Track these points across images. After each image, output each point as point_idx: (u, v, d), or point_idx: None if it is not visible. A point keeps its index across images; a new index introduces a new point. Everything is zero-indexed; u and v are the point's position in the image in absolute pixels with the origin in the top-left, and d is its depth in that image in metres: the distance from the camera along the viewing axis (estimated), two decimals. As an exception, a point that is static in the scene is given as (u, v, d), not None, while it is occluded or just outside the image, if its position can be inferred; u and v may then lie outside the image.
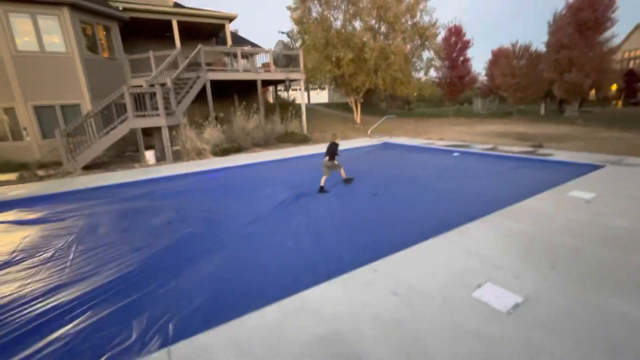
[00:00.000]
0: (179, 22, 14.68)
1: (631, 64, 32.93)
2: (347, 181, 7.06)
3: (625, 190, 5.23)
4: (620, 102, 29.86)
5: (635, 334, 2.20)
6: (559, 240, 3.60)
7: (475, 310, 2.52)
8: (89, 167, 9.81)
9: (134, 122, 10.20)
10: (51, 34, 11.03)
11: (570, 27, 19.74)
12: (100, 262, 3.94)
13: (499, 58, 26.82)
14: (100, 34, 12.62)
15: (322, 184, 6.66)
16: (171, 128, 11.10)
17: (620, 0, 18.86)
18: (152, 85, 10.84)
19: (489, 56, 31.41)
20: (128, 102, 10.01)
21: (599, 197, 4.94)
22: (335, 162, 6.80)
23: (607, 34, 19.79)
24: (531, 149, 9.71)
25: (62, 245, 4.49)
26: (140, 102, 10.35)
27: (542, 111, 27.00)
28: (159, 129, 10.82)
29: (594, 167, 6.99)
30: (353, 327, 2.40)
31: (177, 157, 11.16)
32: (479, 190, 6.37)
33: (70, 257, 4.10)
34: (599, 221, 4.06)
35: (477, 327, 2.34)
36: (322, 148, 12.24)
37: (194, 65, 12.65)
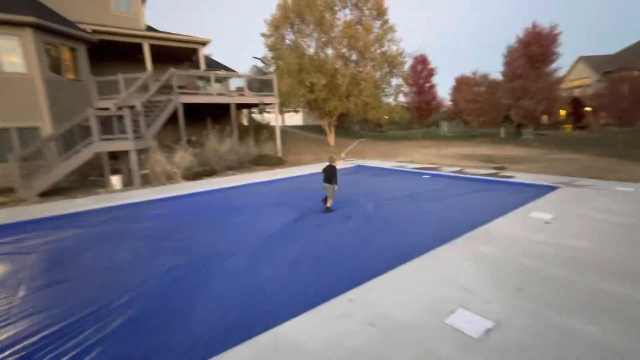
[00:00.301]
0: (151, 45, 14.55)
1: (576, 92, 36.49)
2: (328, 210, 6.91)
3: (578, 211, 5.65)
4: (569, 126, 32.73)
5: (597, 354, 2.32)
6: (523, 263, 3.78)
7: (449, 338, 2.55)
8: (47, 194, 9.15)
9: (100, 146, 9.76)
10: (10, 54, 10.52)
11: (522, 59, 21.76)
12: (54, 303, 3.62)
13: (462, 85, 28.82)
14: (66, 55, 12.20)
15: (328, 204, 6.90)
16: (140, 152, 10.72)
17: (562, 37, 21.17)
18: (120, 108, 10.51)
19: (453, 83, 33.68)
20: (93, 125, 9.61)
21: (556, 218, 5.29)
22: (334, 187, 6.79)
23: (553, 66, 22.00)
24: (494, 171, 10.31)
25: (9, 285, 4.08)
26: (107, 125, 9.97)
27: (502, 134, 28.98)
28: (126, 152, 10.41)
29: (550, 189, 7.52)
30: (330, 364, 2.35)
31: (146, 181, 10.72)
32: (449, 212, 6.61)
33: (19, 298, 3.73)
34: (557, 242, 4.33)
35: (451, 356, 2.36)
36: (297, 171, 12.34)
37: (165, 88, 12.47)
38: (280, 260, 4.51)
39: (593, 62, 37.27)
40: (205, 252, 4.98)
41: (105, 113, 9.97)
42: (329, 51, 19.30)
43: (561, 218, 5.31)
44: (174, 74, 12.51)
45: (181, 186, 9.97)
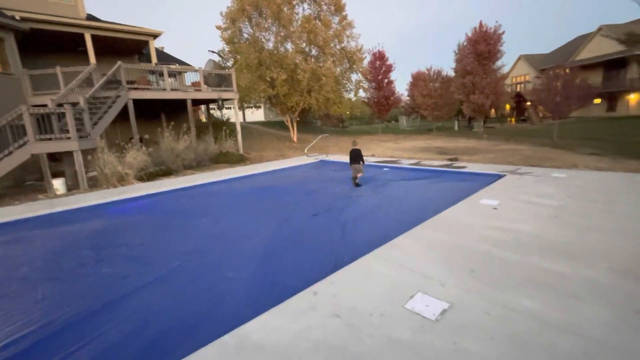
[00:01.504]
0: (94, 37, 13.38)
1: (518, 88, 39.75)
2: (357, 184, 8.48)
3: (520, 196, 6.19)
4: (513, 119, 35.62)
5: (537, 326, 2.57)
6: (474, 247, 4.07)
7: (409, 322, 2.68)
8: (-26, 202, 8.12)
9: (37, 147, 8.84)
10: None
11: (471, 56, 23.12)
12: (-12, 322, 3.24)
13: (418, 80, 30.02)
14: (-10, 45, 10.84)
15: (357, 181, 8.53)
16: (86, 152, 9.87)
17: (505, 36, 22.80)
18: (60, 105, 9.57)
19: (410, 79, 35.03)
20: (28, 123, 8.67)
21: (502, 204, 5.75)
22: (361, 165, 8.47)
23: (499, 63, 23.64)
24: (448, 162, 10.94)
25: None
26: (45, 123, 9.04)
27: (456, 127, 30.77)
28: (70, 153, 9.54)
29: (497, 177, 8.14)
30: (297, 359, 2.36)
31: (94, 184, 9.92)
32: (407, 203, 6.91)
33: (-56, 321, 3.29)
34: (503, 226, 4.71)
35: (410, 339, 2.48)
36: (260, 168, 12.15)
37: (113, 83, 11.58)
38: (244, 259, 4.43)
39: (531, 60, 40.82)
40: (162, 255, 4.74)
41: (42, 110, 9.02)
42: (289, 46, 19.10)
43: (506, 204, 5.78)
44: (122, 68, 11.64)
45: (134, 188, 9.36)
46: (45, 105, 9.79)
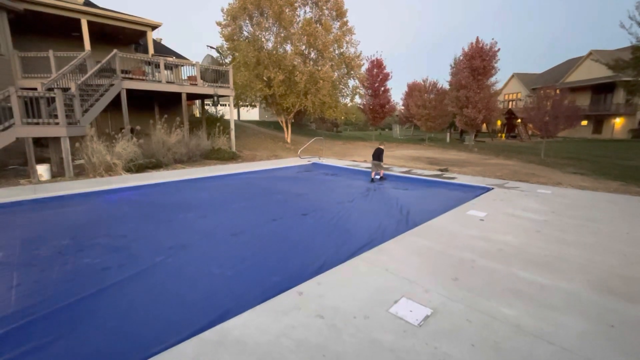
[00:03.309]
0: (91, 23, 13.17)
1: (510, 105, 40.68)
2: (382, 179, 9.75)
3: (506, 209, 6.32)
4: (503, 135, 36.39)
5: (515, 334, 2.62)
6: (459, 255, 4.13)
7: (392, 326, 2.70)
8: (-48, 183, 7.85)
9: (23, 131, 8.61)
10: None
11: (466, 71, 23.61)
12: (-41, 306, 3.12)
13: (413, 91, 30.44)
14: (-19, 23, 10.55)
15: (372, 176, 9.72)
16: (74, 139, 9.66)
17: (500, 53, 23.37)
18: (50, 89, 9.36)
19: (406, 88, 35.52)
20: (15, 106, 8.44)
21: (489, 216, 5.86)
22: (382, 163, 9.67)
23: (492, 79, 24.19)
24: (439, 172, 11.09)
25: None
26: (34, 107, 8.81)
27: (448, 139, 31.26)
28: (57, 139, 9.32)
29: (485, 190, 8.29)
30: (278, 357, 2.34)
31: (81, 172, 9.70)
32: (397, 209, 6.96)
33: None
34: (488, 237, 4.80)
35: (393, 343, 2.50)
36: (252, 166, 12.11)
37: (107, 72, 11.38)
38: (230, 256, 4.39)
39: (524, 78, 41.88)
40: (146, 248, 4.66)
41: (31, 93, 8.80)
42: (288, 47, 19.14)
43: (493, 216, 5.89)
44: (118, 56, 11.47)
45: (122, 178, 9.19)
46: (34, 89, 9.56)
